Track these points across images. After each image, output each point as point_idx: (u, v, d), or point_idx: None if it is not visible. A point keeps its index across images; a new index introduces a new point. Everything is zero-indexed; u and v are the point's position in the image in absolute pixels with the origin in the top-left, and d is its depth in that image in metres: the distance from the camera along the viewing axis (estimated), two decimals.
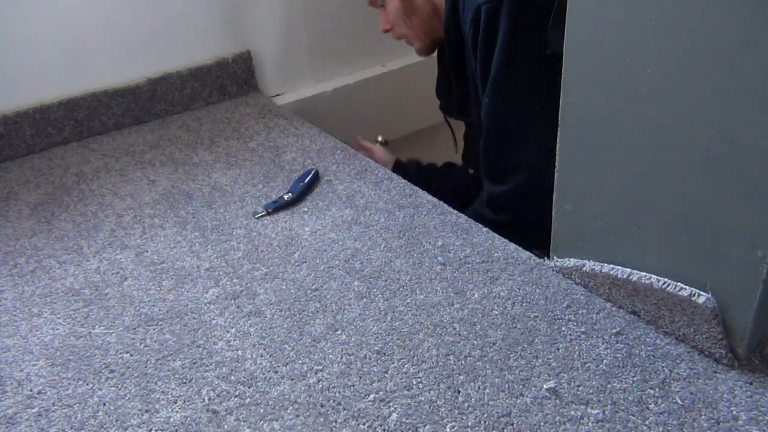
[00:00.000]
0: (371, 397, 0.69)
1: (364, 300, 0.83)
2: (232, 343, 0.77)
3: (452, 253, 0.90)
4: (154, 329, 0.80)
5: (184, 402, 0.70)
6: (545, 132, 0.98)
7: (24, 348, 0.78)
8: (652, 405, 0.66)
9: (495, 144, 1.05)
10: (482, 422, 0.65)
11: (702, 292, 0.69)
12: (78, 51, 1.27)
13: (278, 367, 0.73)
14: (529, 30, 0.95)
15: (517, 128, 1.02)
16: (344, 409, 0.68)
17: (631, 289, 0.76)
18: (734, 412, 0.65)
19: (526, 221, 1.05)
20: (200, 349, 0.77)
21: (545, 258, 0.87)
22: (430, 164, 1.36)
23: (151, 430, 0.67)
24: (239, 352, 0.76)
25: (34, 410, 0.70)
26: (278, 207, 1.04)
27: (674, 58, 0.63)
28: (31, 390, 0.72)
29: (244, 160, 1.20)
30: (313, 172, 1.11)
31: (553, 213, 0.83)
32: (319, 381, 0.71)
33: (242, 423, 0.67)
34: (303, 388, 0.70)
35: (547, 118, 0.98)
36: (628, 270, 0.76)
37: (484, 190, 1.10)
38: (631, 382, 0.69)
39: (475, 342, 0.75)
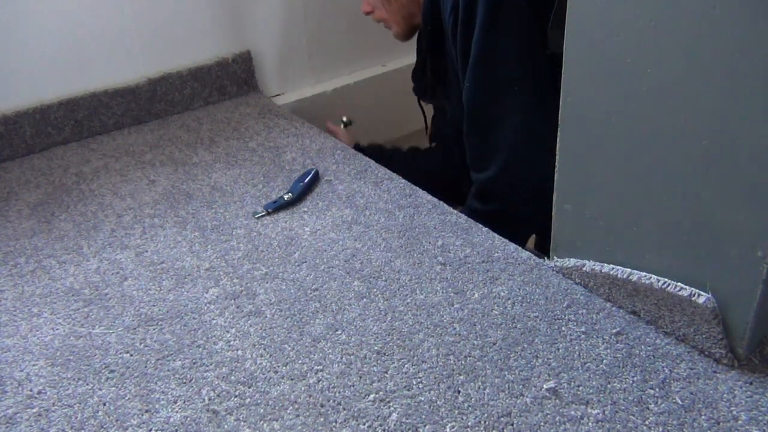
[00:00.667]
0: (371, 397, 0.69)
1: (364, 300, 0.83)
2: (232, 343, 0.77)
3: (452, 253, 0.90)
4: (154, 329, 0.80)
5: (184, 402, 0.70)
6: (525, 115, 0.99)
7: (24, 348, 0.79)
8: (652, 405, 0.66)
9: (476, 127, 1.06)
10: (482, 422, 0.65)
11: (702, 292, 0.69)
12: (78, 51, 1.27)
13: (278, 367, 0.73)
14: (507, 15, 0.97)
15: (497, 110, 1.03)
16: (344, 409, 0.68)
17: (631, 289, 0.76)
18: (734, 412, 0.65)
19: (516, 211, 1.06)
20: (200, 349, 0.77)
21: (545, 258, 0.87)
22: (394, 148, 1.37)
23: (151, 430, 0.67)
24: (239, 352, 0.76)
25: (34, 410, 0.70)
26: (278, 207, 1.04)
27: (674, 58, 0.63)
28: (31, 390, 0.72)
29: (244, 160, 1.20)
30: (313, 172, 1.11)
31: (553, 213, 0.83)
32: (319, 381, 0.71)
33: (242, 423, 0.67)
34: (303, 388, 0.70)
35: (527, 101, 0.99)
36: (628, 270, 0.76)
37: (472, 183, 1.11)
38: (631, 382, 0.69)
39: (475, 342, 0.75)
